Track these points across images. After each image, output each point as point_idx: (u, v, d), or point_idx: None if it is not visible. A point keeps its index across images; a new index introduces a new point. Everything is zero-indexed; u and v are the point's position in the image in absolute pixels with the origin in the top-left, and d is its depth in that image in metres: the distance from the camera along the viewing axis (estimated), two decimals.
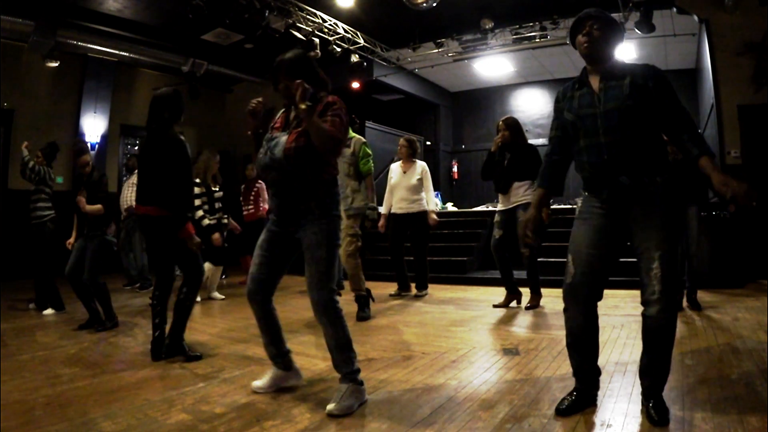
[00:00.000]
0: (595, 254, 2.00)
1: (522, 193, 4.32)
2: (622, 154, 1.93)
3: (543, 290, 4.50)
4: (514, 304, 4.48)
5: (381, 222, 5.21)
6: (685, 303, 4.13)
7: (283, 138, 2.19)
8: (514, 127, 4.40)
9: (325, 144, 2.10)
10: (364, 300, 4.20)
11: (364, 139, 4.36)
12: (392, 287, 5.48)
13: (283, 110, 2.40)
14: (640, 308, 1.98)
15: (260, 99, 2.34)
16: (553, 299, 4.58)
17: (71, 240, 4.18)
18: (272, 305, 2.37)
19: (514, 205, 4.33)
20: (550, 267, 5.72)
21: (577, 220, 2.09)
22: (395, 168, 5.38)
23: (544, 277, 5.53)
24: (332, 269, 2.19)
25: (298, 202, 2.20)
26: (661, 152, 1.98)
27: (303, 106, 2.07)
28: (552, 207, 5.81)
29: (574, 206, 7.11)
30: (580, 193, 2.14)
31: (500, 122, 4.45)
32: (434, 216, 5.19)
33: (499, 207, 4.47)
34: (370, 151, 4.30)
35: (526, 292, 4.49)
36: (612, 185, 1.96)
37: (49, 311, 4.52)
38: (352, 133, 4.27)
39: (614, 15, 6.37)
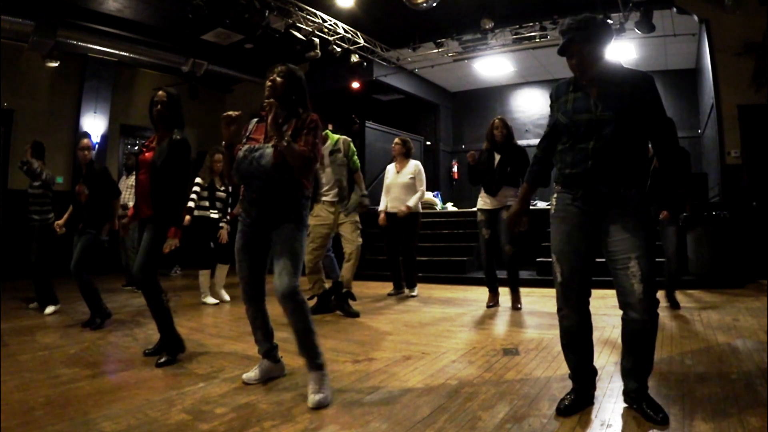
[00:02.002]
0: (577, 251, 2.01)
1: (509, 196, 4.36)
2: (607, 163, 1.93)
3: (543, 290, 4.52)
4: (494, 300, 4.55)
5: (381, 217, 5.26)
6: (665, 302, 4.11)
7: (269, 150, 2.30)
8: (509, 127, 4.48)
9: (298, 165, 2.26)
10: (350, 296, 4.31)
11: (349, 138, 4.50)
12: (389, 287, 5.52)
13: (257, 120, 2.49)
14: None
15: (238, 112, 2.39)
16: (552, 299, 4.57)
17: (60, 222, 4.22)
18: (265, 303, 2.54)
19: (499, 206, 4.36)
20: (550, 267, 5.73)
21: (555, 219, 2.08)
22: (390, 168, 5.42)
23: (544, 277, 5.55)
24: (300, 262, 2.33)
25: (277, 209, 2.33)
26: (643, 164, 2.01)
27: (285, 144, 2.21)
28: (549, 207, 5.82)
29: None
30: (554, 190, 2.11)
31: (496, 120, 4.47)
32: (403, 208, 5.06)
33: (482, 206, 4.48)
34: (354, 149, 4.47)
35: (504, 292, 4.52)
36: (589, 189, 1.97)
37: (49, 309, 4.52)
38: (333, 136, 4.37)
39: (614, 15, 6.41)
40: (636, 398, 1.96)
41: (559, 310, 2.10)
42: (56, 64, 7.35)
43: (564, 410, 2.00)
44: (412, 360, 2.87)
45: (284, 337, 3.36)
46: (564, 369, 2.53)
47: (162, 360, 2.85)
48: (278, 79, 2.36)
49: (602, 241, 1.99)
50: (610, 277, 2.01)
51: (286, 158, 2.25)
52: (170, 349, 2.93)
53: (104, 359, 3.06)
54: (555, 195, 2.10)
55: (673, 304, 4.15)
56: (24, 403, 2.25)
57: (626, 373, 2.00)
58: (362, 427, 1.96)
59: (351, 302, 4.33)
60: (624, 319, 1.96)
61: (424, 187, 5.28)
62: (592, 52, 1.94)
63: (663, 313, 2.03)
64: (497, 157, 4.40)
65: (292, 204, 2.33)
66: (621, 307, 1.96)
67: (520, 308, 4.34)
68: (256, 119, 2.50)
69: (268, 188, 2.31)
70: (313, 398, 2.16)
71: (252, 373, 2.53)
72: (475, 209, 4.63)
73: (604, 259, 2.01)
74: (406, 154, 5.31)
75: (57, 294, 4.65)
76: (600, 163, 1.93)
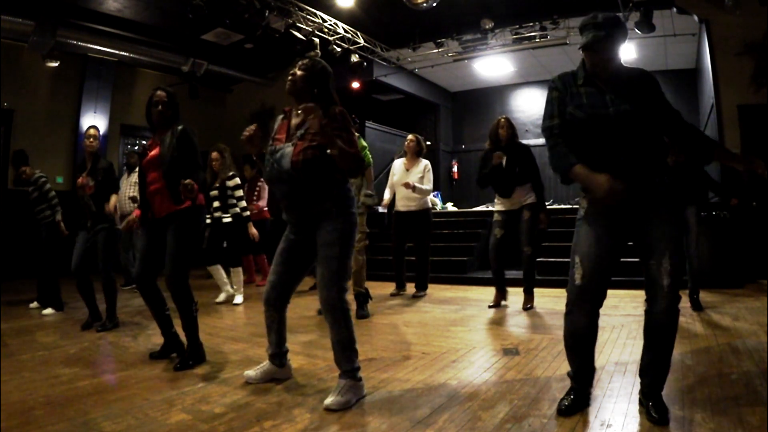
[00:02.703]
0: (603, 254, 1.99)
1: (524, 195, 4.33)
2: (637, 155, 1.95)
3: (544, 290, 4.51)
4: (503, 302, 4.52)
5: (387, 199, 5.23)
6: (687, 303, 4.12)
7: (288, 149, 2.21)
8: (514, 127, 4.45)
9: (351, 165, 2.16)
10: (363, 298, 4.25)
11: (357, 133, 4.40)
12: (392, 287, 5.50)
13: (282, 116, 2.42)
14: (640, 308, 1.99)
15: (252, 126, 2.33)
16: (552, 299, 4.58)
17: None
18: (286, 310, 2.47)
19: (517, 207, 4.33)
20: (550, 267, 5.73)
21: (583, 221, 2.05)
22: (398, 165, 5.30)
23: (544, 277, 5.55)
24: (344, 268, 2.23)
25: (313, 207, 2.24)
26: (663, 154, 2.05)
27: (335, 151, 2.11)
28: (551, 207, 5.76)
29: (575, 206, 7.12)
30: (580, 192, 2.10)
31: (502, 119, 4.43)
32: (407, 181, 5.03)
33: (499, 208, 4.43)
34: (365, 143, 4.38)
35: (516, 292, 4.49)
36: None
37: (48, 311, 4.53)
38: None
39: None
40: (646, 395, 1.96)
41: (569, 312, 2.06)
42: (56, 64, 7.34)
43: (564, 410, 2.00)
44: (412, 360, 2.87)
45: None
46: (564, 369, 2.53)
47: (190, 363, 2.81)
48: (298, 72, 2.27)
49: (636, 235, 1.99)
50: (612, 277, 2.01)
51: (306, 156, 2.15)
52: (195, 356, 2.89)
53: (104, 359, 3.06)
54: (585, 198, 2.06)
55: (696, 306, 4.07)
56: (24, 403, 2.25)
57: (642, 370, 2.00)
58: (362, 427, 1.96)
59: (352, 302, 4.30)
60: (647, 312, 1.97)
61: (431, 185, 5.23)
62: (617, 50, 1.97)
63: None
64: (504, 157, 4.36)
65: (326, 197, 2.22)
66: (646, 300, 1.97)
67: (530, 308, 4.31)
68: (281, 116, 2.42)
69: (294, 191, 2.23)
70: (328, 399, 2.13)
71: (253, 372, 2.50)
72: (476, 209, 4.60)
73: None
74: (418, 153, 5.24)
75: (62, 298, 4.66)
76: (631, 157, 1.94)
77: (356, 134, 4.30)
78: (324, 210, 2.22)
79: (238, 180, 5.10)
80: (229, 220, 5.05)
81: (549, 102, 2.09)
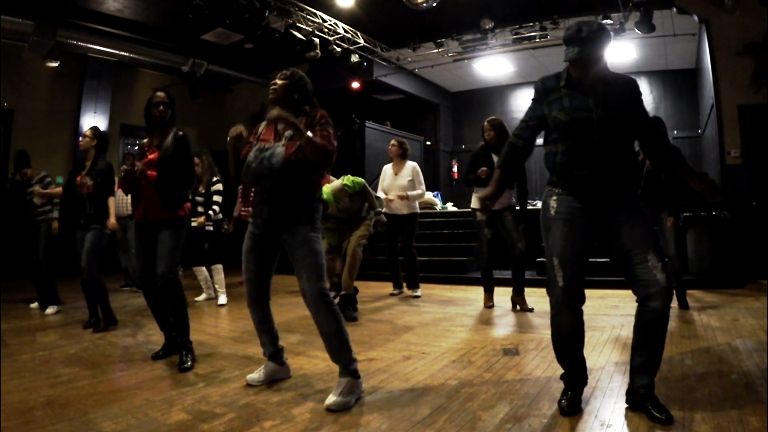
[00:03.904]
0: (582, 254, 2.01)
1: (509, 196, 4.37)
2: (614, 161, 1.98)
3: (541, 290, 4.48)
4: (492, 301, 4.57)
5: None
6: (674, 303, 4.10)
7: (280, 149, 2.31)
8: (499, 128, 4.45)
9: (319, 157, 2.25)
10: (351, 299, 4.23)
11: (339, 183, 4.33)
12: (389, 287, 5.55)
13: (266, 122, 2.50)
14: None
15: (240, 128, 2.40)
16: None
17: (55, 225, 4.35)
18: (270, 305, 2.53)
19: (501, 207, 4.34)
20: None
21: (557, 221, 2.03)
22: (387, 170, 5.41)
23: (543, 277, 5.53)
24: (323, 263, 2.32)
25: (289, 209, 2.32)
26: (637, 163, 2.11)
27: (303, 141, 2.22)
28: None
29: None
30: (551, 191, 2.08)
31: (486, 123, 4.50)
32: (401, 193, 5.10)
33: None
34: (349, 183, 4.30)
35: (509, 292, 4.49)
36: (599, 188, 1.98)
37: (50, 309, 4.54)
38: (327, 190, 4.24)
39: (614, 15, 6.42)
40: (644, 396, 1.95)
41: (556, 314, 2.05)
42: (56, 64, 7.35)
43: (563, 410, 2.00)
44: (412, 360, 2.88)
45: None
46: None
47: (188, 364, 2.80)
48: (279, 81, 2.41)
49: (611, 238, 2.00)
50: (612, 277, 2.01)
51: (298, 156, 2.25)
52: (192, 353, 2.91)
53: (104, 359, 3.06)
54: (554, 197, 2.05)
55: (683, 305, 4.09)
56: (24, 403, 2.25)
57: (637, 371, 1.98)
58: (362, 427, 1.96)
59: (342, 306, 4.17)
60: (642, 311, 1.96)
61: (423, 187, 5.29)
62: (600, 59, 1.98)
63: None
64: (495, 158, 4.38)
65: (305, 204, 2.33)
66: (640, 300, 1.96)
67: (532, 310, 4.27)
68: (264, 122, 2.52)
69: (279, 187, 2.31)
70: (329, 399, 2.15)
71: (256, 375, 2.52)
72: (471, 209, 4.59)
73: (603, 260, 2.02)
74: (403, 155, 5.31)
75: (59, 294, 4.67)
76: (608, 162, 1.97)
77: (342, 186, 4.27)
78: (296, 216, 2.32)
79: (221, 186, 5.11)
80: (210, 228, 5.08)
81: (532, 102, 2.17)
